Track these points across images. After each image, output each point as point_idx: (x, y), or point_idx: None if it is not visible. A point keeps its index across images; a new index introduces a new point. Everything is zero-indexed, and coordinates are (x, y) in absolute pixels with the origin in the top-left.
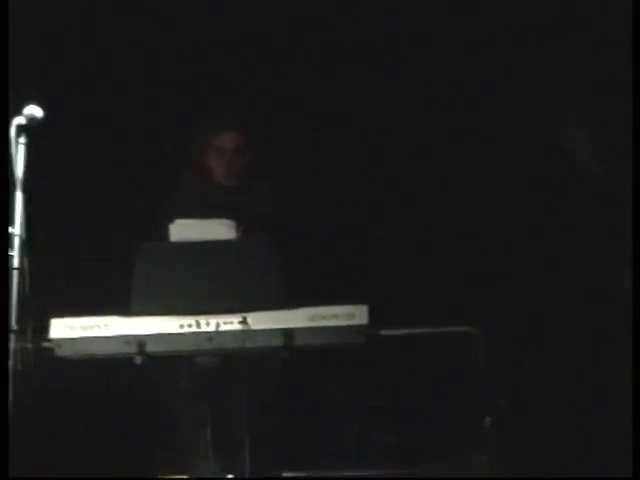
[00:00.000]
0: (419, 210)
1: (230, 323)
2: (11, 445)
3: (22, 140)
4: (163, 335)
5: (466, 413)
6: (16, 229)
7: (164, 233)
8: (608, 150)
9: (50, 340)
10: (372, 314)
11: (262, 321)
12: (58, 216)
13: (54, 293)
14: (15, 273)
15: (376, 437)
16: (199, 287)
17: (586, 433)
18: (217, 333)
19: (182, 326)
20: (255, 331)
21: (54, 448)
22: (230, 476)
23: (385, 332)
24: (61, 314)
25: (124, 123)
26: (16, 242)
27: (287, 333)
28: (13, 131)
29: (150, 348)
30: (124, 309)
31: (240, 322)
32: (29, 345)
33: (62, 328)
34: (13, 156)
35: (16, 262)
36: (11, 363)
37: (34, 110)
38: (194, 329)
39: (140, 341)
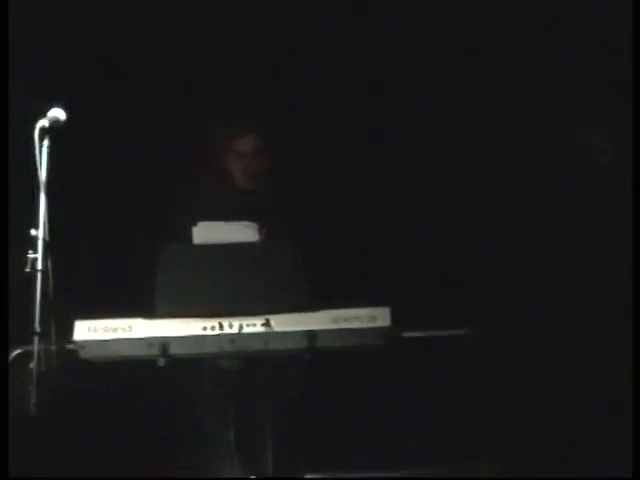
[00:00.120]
0: (441, 212)
1: (253, 325)
2: (34, 446)
3: (45, 143)
4: (186, 337)
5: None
6: (40, 231)
7: (188, 235)
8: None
9: (74, 342)
10: (394, 316)
11: (285, 323)
12: (82, 218)
13: (78, 295)
14: (39, 275)
15: (396, 438)
16: (222, 289)
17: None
18: (240, 335)
19: (205, 328)
20: (278, 333)
21: (76, 449)
22: (253, 477)
23: (407, 334)
24: (85, 316)
25: (149, 125)
26: (40, 244)
27: (310, 335)
28: (37, 134)
29: (173, 350)
30: (147, 311)
31: (263, 324)
32: (53, 347)
33: (86, 330)
34: (37, 159)
35: (40, 264)
36: (34, 365)
37: (58, 113)
38: (217, 331)
39: (163, 343)
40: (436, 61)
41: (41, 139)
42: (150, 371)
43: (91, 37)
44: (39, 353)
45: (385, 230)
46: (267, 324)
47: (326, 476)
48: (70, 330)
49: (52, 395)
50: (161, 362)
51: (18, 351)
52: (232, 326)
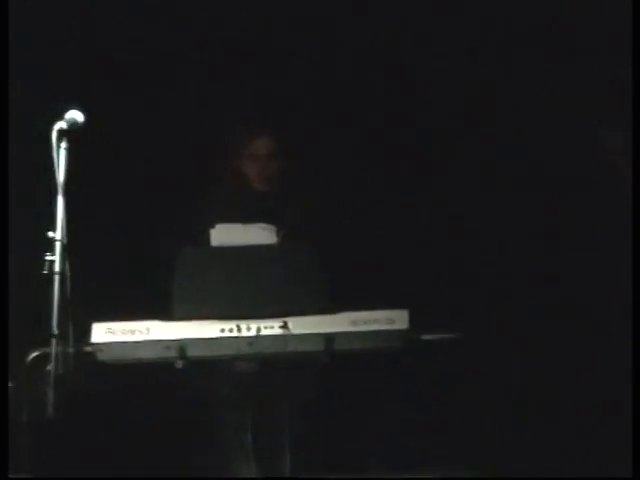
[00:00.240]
0: (461, 214)
1: (271, 328)
2: (51, 448)
3: (63, 145)
4: (204, 340)
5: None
6: (58, 234)
7: (205, 238)
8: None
9: (91, 344)
10: (412, 319)
11: (303, 326)
12: (100, 220)
13: (96, 297)
14: (57, 277)
15: (413, 440)
16: (240, 291)
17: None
18: (258, 337)
19: (223, 330)
20: (296, 336)
21: (94, 451)
22: (262, 477)
23: (426, 337)
24: (102, 318)
25: (166, 128)
26: (57, 246)
27: (328, 338)
28: (54, 136)
29: (191, 352)
30: (165, 313)
31: (281, 327)
32: (70, 349)
33: (103, 332)
34: (54, 161)
35: (57, 266)
36: (52, 367)
37: (75, 115)
38: (235, 333)
39: (181, 345)
40: (453, 61)
41: (59, 141)
42: (168, 373)
43: (109, 39)
44: (57, 355)
45: (404, 231)
46: (285, 326)
47: (344, 477)
48: (88, 332)
49: (70, 397)
50: (179, 364)
51: (36, 353)
52: (250, 328)
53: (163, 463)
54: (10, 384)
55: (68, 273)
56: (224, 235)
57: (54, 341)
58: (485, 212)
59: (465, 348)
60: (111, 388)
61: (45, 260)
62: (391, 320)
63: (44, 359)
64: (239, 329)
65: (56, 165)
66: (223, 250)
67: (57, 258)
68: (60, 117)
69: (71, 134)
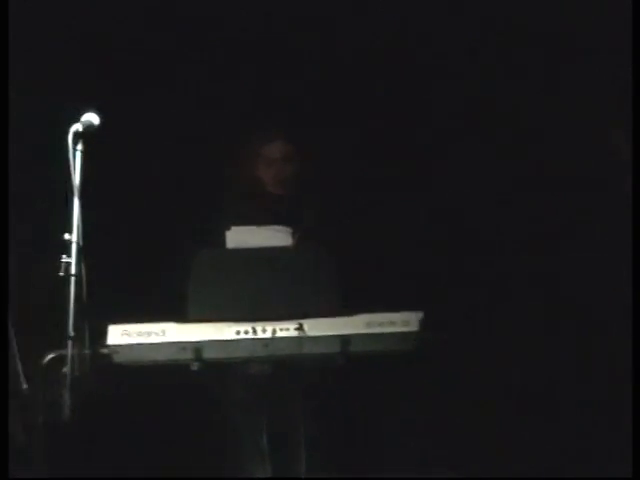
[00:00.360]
0: (476, 216)
1: (286, 329)
2: (67, 450)
3: (79, 147)
4: (219, 341)
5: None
6: (73, 236)
7: (221, 240)
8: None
9: (107, 346)
10: (427, 320)
11: (318, 327)
12: (115, 222)
13: (111, 299)
14: (72, 280)
15: (428, 442)
16: (255, 293)
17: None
18: (273, 339)
19: (238, 332)
20: (311, 337)
21: (110, 453)
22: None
23: (440, 339)
24: (118, 320)
25: (181, 131)
26: (73, 249)
27: (344, 340)
28: (70, 138)
29: (206, 354)
30: (180, 315)
31: (296, 328)
32: (86, 351)
33: (119, 334)
34: (70, 163)
35: (73, 269)
36: (68, 369)
37: (91, 117)
38: (250, 335)
39: (196, 347)
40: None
41: (75, 143)
42: (183, 375)
43: (126, 42)
44: (73, 357)
45: (419, 233)
46: (300, 328)
47: (360, 476)
48: (103, 334)
49: (85, 399)
50: (194, 366)
51: (52, 355)
52: (265, 330)
53: (178, 465)
54: (25, 386)
55: (84, 275)
56: (239, 237)
57: (70, 343)
58: (501, 215)
59: (475, 348)
60: (127, 390)
61: (61, 262)
62: (407, 322)
63: (60, 361)
64: (255, 331)
65: (72, 167)
66: (238, 252)
67: (73, 260)
68: (76, 120)
69: (87, 136)
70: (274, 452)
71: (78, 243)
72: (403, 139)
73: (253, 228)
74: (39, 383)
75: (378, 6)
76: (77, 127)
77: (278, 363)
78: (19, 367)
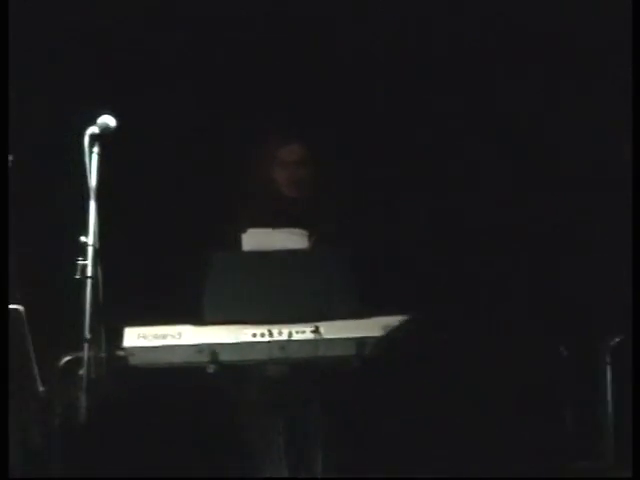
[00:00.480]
0: (492, 218)
1: (302, 332)
2: (83, 452)
3: (95, 149)
4: (236, 344)
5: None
6: (90, 238)
7: (237, 242)
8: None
9: (123, 349)
10: (445, 323)
11: (334, 330)
12: (131, 225)
13: (127, 302)
14: (89, 282)
15: (446, 443)
16: (271, 296)
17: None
18: (289, 342)
19: (255, 335)
20: (327, 340)
21: (126, 455)
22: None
23: (456, 341)
24: (134, 323)
25: (197, 133)
26: (90, 251)
27: (359, 342)
28: (86, 141)
29: (223, 357)
30: (196, 318)
31: (312, 331)
32: (102, 354)
33: (135, 337)
34: (86, 165)
35: (90, 271)
36: (84, 371)
37: (107, 119)
38: (266, 338)
39: (213, 350)
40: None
41: (91, 146)
42: (198, 378)
43: (141, 44)
44: (89, 360)
45: (437, 235)
46: (316, 331)
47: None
48: (120, 337)
49: (102, 401)
50: (211, 369)
51: (68, 358)
52: (281, 333)
53: (194, 467)
54: (42, 388)
55: (100, 278)
56: (255, 240)
57: (86, 345)
58: (522, 216)
59: (503, 351)
60: (143, 392)
61: (77, 265)
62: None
63: (76, 363)
64: (271, 334)
65: (88, 170)
66: (255, 255)
67: (89, 263)
68: (92, 122)
69: (103, 139)
70: (290, 453)
71: (94, 245)
72: (420, 139)
73: (269, 231)
74: (56, 385)
75: (397, 7)
76: (93, 129)
77: (294, 365)
78: (36, 369)
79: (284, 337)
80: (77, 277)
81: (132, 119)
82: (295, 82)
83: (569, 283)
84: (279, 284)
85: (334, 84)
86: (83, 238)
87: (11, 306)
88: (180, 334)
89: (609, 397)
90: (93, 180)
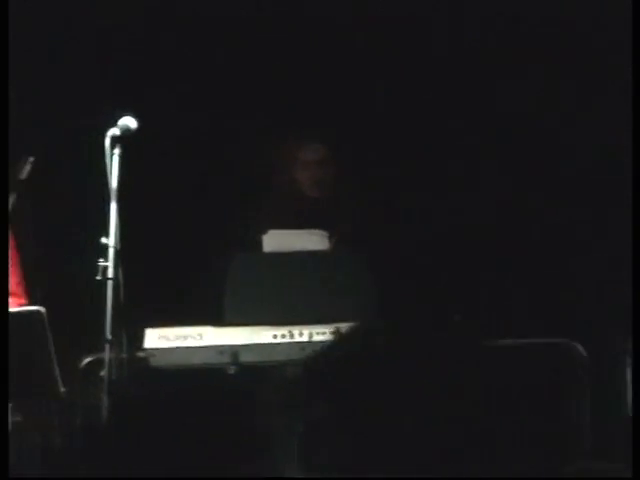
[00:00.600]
0: (515, 219)
1: (323, 333)
2: (105, 454)
3: (116, 151)
4: (256, 345)
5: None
6: (110, 240)
7: (258, 244)
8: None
9: (144, 350)
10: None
11: None
12: (152, 226)
13: (149, 303)
14: (110, 283)
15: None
16: (292, 297)
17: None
18: (310, 343)
19: (275, 336)
20: None
21: (147, 456)
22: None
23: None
24: (155, 324)
25: (218, 134)
26: (111, 253)
27: None
28: (108, 142)
29: (243, 358)
30: (217, 319)
31: (333, 332)
32: (124, 355)
33: (156, 338)
34: (107, 167)
35: (111, 272)
36: (106, 373)
37: (128, 121)
38: (287, 339)
39: (234, 351)
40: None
41: (112, 147)
42: (218, 379)
43: (162, 46)
44: (110, 361)
45: (457, 236)
46: (337, 332)
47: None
48: (141, 338)
49: (123, 403)
50: (231, 370)
51: (89, 359)
52: (302, 334)
53: (214, 468)
54: (63, 389)
55: (121, 279)
56: (276, 241)
57: (108, 347)
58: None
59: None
60: (164, 393)
61: (98, 266)
62: None
63: (98, 365)
64: (291, 335)
65: (109, 171)
66: (275, 256)
67: (110, 264)
68: (113, 124)
69: (124, 141)
70: (307, 454)
71: (115, 247)
72: (445, 141)
73: (290, 232)
74: (77, 387)
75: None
76: (114, 131)
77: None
78: (57, 371)
79: (305, 338)
80: (98, 278)
81: (152, 120)
82: (318, 82)
83: (580, 283)
84: (299, 285)
85: (356, 83)
86: (104, 239)
87: (32, 307)
88: (201, 335)
89: (629, 399)
90: (114, 181)
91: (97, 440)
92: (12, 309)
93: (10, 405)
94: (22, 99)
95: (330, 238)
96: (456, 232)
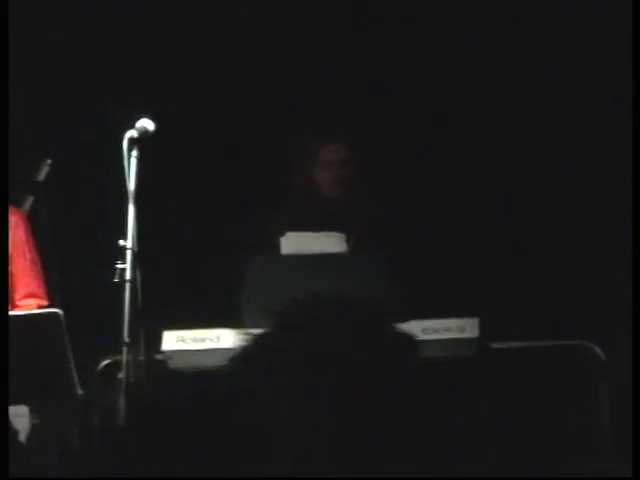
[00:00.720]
0: (533, 222)
1: None
2: (122, 456)
3: (134, 153)
4: None
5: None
6: (128, 242)
7: (276, 246)
8: None
9: (162, 352)
10: (483, 327)
11: None
12: (170, 228)
13: (166, 305)
14: (127, 286)
15: (483, 449)
16: None
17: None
18: None
19: None
20: None
21: (164, 459)
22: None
23: (496, 345)
24: (173, 326)
25: (236, 136)
26: (128, 255)
27: None
28: (125, 144)
29: None
30: (235, 322)
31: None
32: (141, 357)
33: (174, 340)
34: (125, 169)
35: (128, 275)
36: (123, 375)
37: (146, 123)
38: None
39: None
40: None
41: (130, 149)
42: (237, 381)
43: (181, 49)
44: (128, 363)
45: (474, 238)
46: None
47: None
48: (158, 340)
49: (141, 405)
50: None
51: (107, 361)
52: None
53: (231, 469)
54: (81, 391)
55: (139, 281)
56: (294, 243)
57: (125, 349)
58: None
59: (547, 356)
60: (181, 396)
61: (116, 268)
62: (462, 328)
63: (115, 367)
64: None
65: (127, 174)
66: (293, 258)
67: (128, 266)
68: (131, 126)
69: (142, 143)
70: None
71: (133, 249)
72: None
73: (308, 234)
74: (95, 389)
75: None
76: (132, 133)
77: None
78: (74, 373)
79: None
80: (116, 281)
81: (170, 122)
82: (337, 82)
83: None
84: (317, 288)
85: (376, 83)
86: (122, 241)
87: (50, 309)
88: (219, 337)
89: None
90: (132, 184)
91: (114, 442)
92: (30, 311)
93: (28, 407)
94: (40, 102)
95: (348, 240)
96: (471, 231)
